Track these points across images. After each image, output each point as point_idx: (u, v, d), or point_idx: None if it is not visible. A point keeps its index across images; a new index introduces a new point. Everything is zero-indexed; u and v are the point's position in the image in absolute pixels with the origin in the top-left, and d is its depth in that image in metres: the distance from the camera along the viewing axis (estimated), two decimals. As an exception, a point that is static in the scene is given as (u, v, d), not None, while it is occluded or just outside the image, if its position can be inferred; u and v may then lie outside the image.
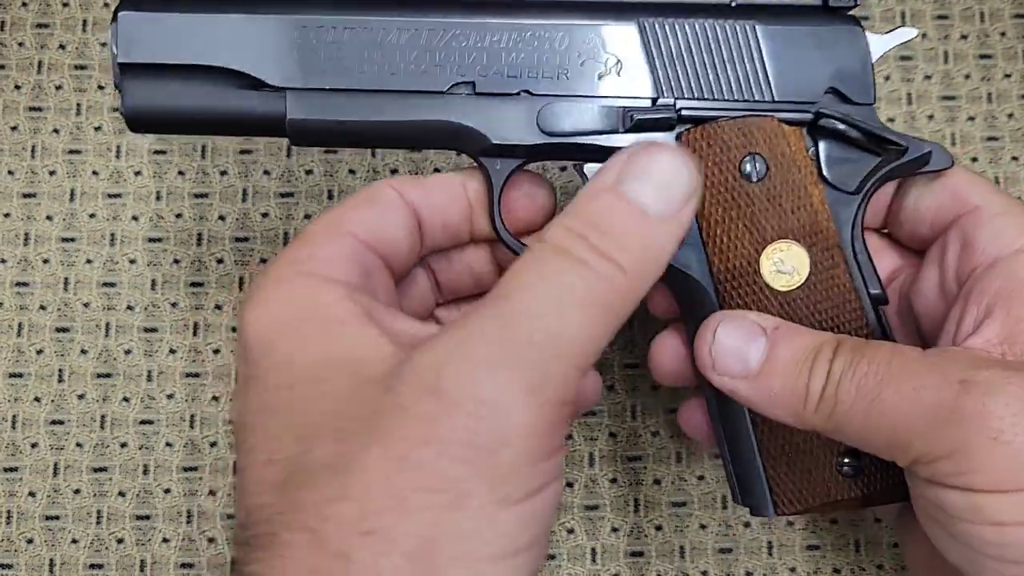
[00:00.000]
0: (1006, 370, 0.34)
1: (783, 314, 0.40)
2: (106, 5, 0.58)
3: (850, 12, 0.42)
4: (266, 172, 0.56)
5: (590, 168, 0.42)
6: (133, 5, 0.40)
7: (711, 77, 0.41)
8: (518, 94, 0.41)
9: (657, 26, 0.41)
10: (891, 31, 0.43)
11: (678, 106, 0.41)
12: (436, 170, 0.57)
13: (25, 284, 0.55)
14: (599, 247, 0.33)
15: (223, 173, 0.56)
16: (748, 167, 0.41)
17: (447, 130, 0.41)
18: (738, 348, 0.37)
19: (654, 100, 0.41)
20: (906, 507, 0.41)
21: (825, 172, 0.41)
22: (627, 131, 0.41)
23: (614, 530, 0.53)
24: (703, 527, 0.53)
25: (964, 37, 0.58)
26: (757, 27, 0.41)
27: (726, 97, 0.41)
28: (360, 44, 0.40)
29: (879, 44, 0.42)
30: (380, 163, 0.57)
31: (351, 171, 0.57)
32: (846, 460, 0.40)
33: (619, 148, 0.40)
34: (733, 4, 0.42)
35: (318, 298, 0.35)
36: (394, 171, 0.57)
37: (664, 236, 0.35)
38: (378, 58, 0.40)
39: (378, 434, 0.30)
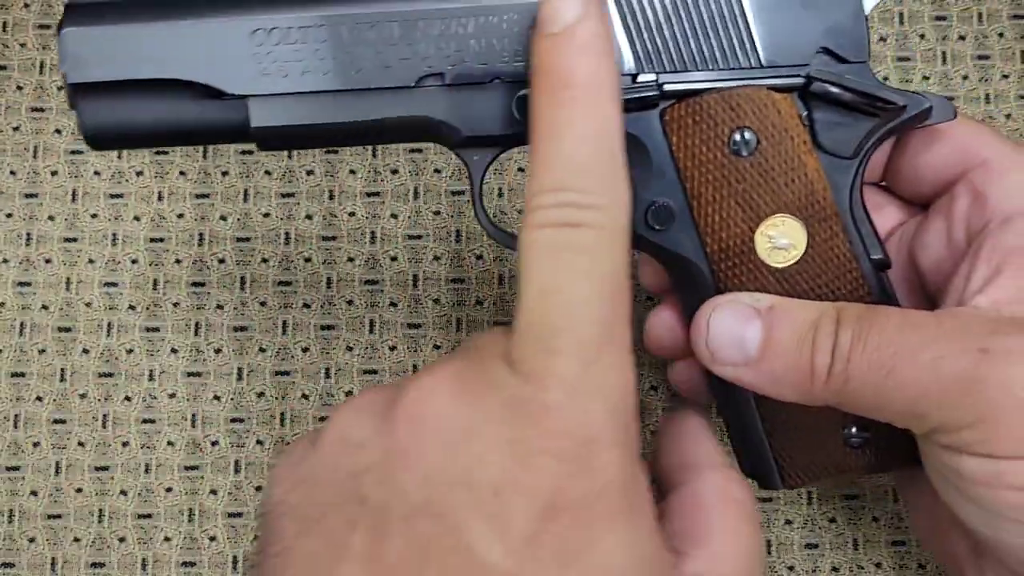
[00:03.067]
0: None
1: (782, 291, 0.39)
2: (108, 6, 0.58)
3: None
4: (267, 172, 0.57)
5: None
6: (76, 20, 0.38)
7: (693, 46, 0.39)
8: (491, 82, 0.39)
9: None
10: None
11: (660, 81, 0.39)
12: (436, 171, 0.57)
13: (27, 284, 0.55)
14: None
15: (224, 173, 0.56)
16: (737, 142, 0.39)
17: (420, 124, 0.39)
18: (734, 335, 0.37)
19: (634, 76, 0.39)
20: (912, 473, 0.41)
21: (820, 139, 0.39)
22: None
23: (614, 529, 0.53)
24: (702, 526, 0.53)
25: (962, 38, 0.59)
26: None
27: (710, 67, 0.39)
28: (318, 44, 0.38)
29: None
30: (381, 163, 0.57)
31: (352, 171, 0.57)
32: (853, 431, 0.39)
33: None
34: None
35: None
36: (395, 171, 0.57)
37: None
38: (339, 57, 0.38)
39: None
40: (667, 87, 0.39)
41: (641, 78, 0.39)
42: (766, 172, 0.39)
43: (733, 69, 0.39)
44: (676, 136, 0.39)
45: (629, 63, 0.39)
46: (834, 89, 0.38)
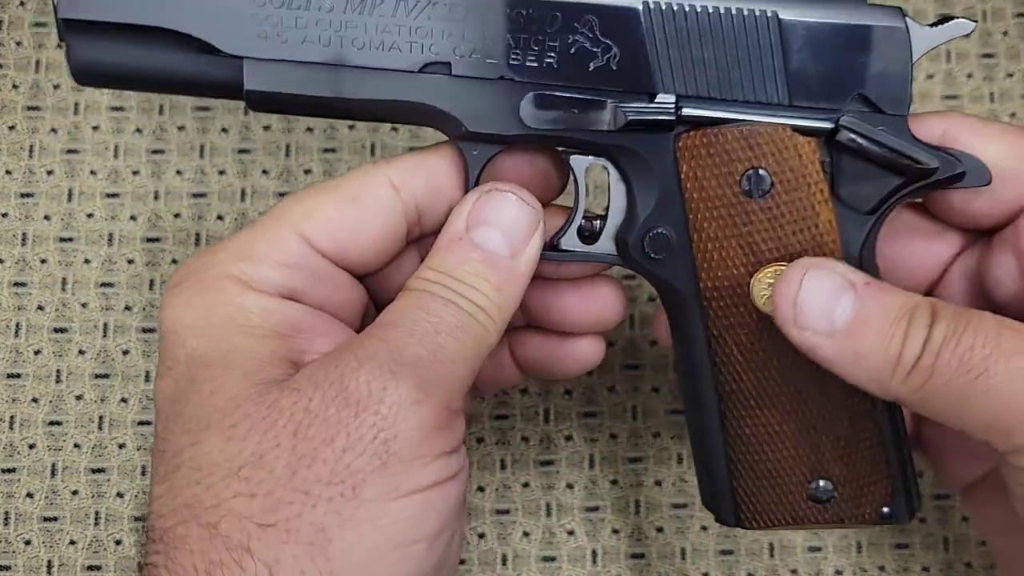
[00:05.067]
0: None
1: (772, 342, 0.37)
2: (104, 4, 0.57)
3: (893, 4, 0.37)
4: (264, 172, 0.56)
5: (576, 160, 0.39)
6: None
7: (719, 73, 0.36)
8: (499, 79, 0.37)
9: (663, 8, 0.36)
10: (942, 23, 0.37)
11: (679, 106, 0.36)
12: (436, 170, 0.56)
13: (23, 284, 0.54)
14: (459, 291, 0.36)
15: (221, 173, 0.56)
16: (750, 183, 0.36)
17: (419, 111, 0.37)
18: (825, 302, 0.34)
19: (652, 96, 0.37)
20: (982, 483, 0.41)
21: (839, 190, 0.37)
22: (618, 131, 0.37)
23: (615, 532, 0.53)
24: (704, 529, 0.53)
25: (966, 36, 0.58)
26: (780, 16, 0.36)
27: (735, 97, 0.36)
28: (324, 13, 0.36)
29: (926, 39, 0.37)
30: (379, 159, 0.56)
31: (350, 168, 0.56)
32: (821, 484, 0.38)
33: (609, 146, 0.38)
34: None
35: (238, 305, 0.36)
36: (393, 171, 0.56)
37: (514, 273, 0.37)
38: (344, 30, 0.36)
39: (284, 434, 0.33)
40: (685, 112, 0.36)
41: (660, 98, 0.37)
42: (775, 218, 0.37)
43: (759, 103, 0.36)
44: (687, 165, 0.37)
45: (648, 82, 0.37)
46: (863, 141, 0.36)
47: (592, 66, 0.37)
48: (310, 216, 0.37)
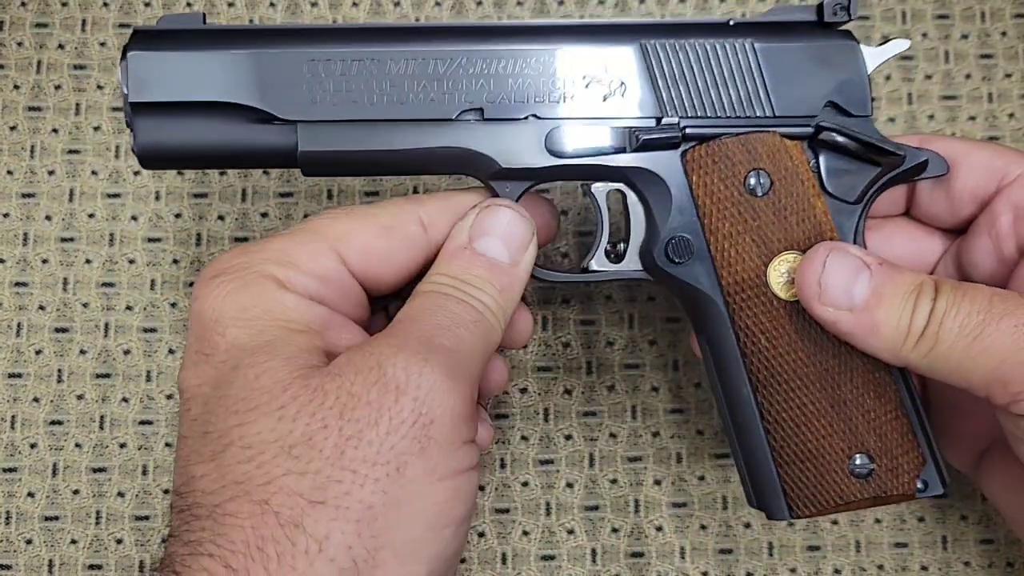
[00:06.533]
0: None
1: (793, 323, 0.41)
2: (105, 5, 0.58)
3: (844, 27, 0.43)
4: (265, 172, 0.56)
5: (597, 188, 0.44)
6: (142, 44, 0.41)
7: (713, 95, 0.42)
8: (526, 118, 0.42)
9: (658, 47, 0.42)
10: (884, 43, 0.43)
11: (682, 125, 0.42)
12: (436, 170, 0.57)
13: (24, 284, 0.55)
14: (469, 293, 0.40)
15: (222, 173, 0.56)
16: (753, 182, 0.41)
17: (457, 156, 0.42)
18: (846, 281, 0.39)
19: (658, 120, 0.42)
20: (987, 459, 0.45)
21: (827, 184, 0.42)
22: (634, 151, 0.42)
23: (614, 531, 0.53)
24: (703, 528, 0.53)
25: (965, 37, 0.58)
26: (756, 45, 0.42)
27: (728, 114, 0.42)
28: (368, 75, 0.41)
29: (873, 57, 0.43)
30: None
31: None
32: (859, 459, 0.41)
33: (627, 170, 0.42)
34: (731, 23, 0.43)
35: (277, 301, 0.39)
36: (394, 171, 0.57)
37: (514, 279, 0.41)
38: (387, 88, 0.41)
39: (330, 416, 0.35)
40: (688, 130, 0.41)
41: (665, 121, 0.42)
42: (779, 211, 0.41)
43: (749, 117, 0.42)
44: (696, 175, 0.42)
45: (653, 108, 0.42)
46: (840, 138, 0.41)
47: (604, 97, 0.42)
48: (347, 238, 0.41)
